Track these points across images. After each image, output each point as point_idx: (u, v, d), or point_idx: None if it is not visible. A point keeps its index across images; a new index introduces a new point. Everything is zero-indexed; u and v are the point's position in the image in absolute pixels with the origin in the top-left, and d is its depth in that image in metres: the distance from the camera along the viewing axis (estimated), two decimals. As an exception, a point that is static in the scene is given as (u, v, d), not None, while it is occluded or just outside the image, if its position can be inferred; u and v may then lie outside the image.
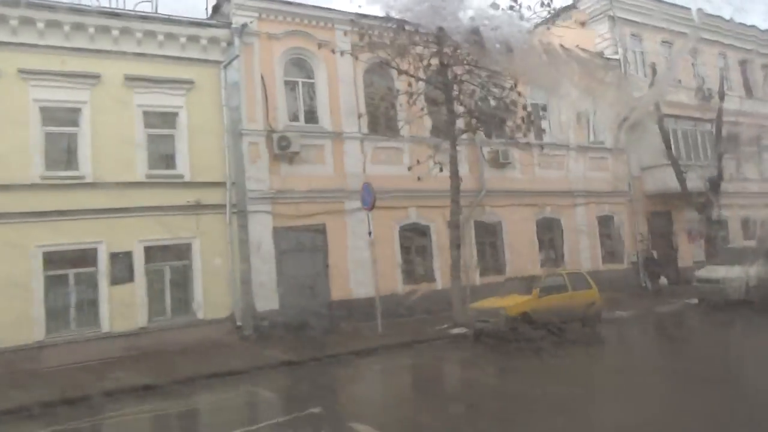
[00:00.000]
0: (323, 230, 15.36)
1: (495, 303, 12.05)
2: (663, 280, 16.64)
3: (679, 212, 23.24)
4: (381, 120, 16.93)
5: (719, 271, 15.56)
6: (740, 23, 27.15)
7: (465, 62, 13.99)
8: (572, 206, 20.22)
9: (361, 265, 15.56)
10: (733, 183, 25.29)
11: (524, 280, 13.14)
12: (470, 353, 11.54)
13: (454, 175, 14.16)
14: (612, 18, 22.97)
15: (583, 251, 20.00)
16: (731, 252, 16.85)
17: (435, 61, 14.07)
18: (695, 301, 15.94)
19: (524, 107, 14.55)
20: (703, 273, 16.05)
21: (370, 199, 13.43)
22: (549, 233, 19.76)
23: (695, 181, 22.13)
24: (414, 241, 16.84)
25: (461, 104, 14.21)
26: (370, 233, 13.59)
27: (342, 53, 14.64)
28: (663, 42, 24.98)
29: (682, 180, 18.78)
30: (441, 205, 16.80)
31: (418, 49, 13.85)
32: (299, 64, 15.98)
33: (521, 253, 18.42)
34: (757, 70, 28.59)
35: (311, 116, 16.04)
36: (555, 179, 19.93)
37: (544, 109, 17.68)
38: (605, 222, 21.20)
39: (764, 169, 26.69)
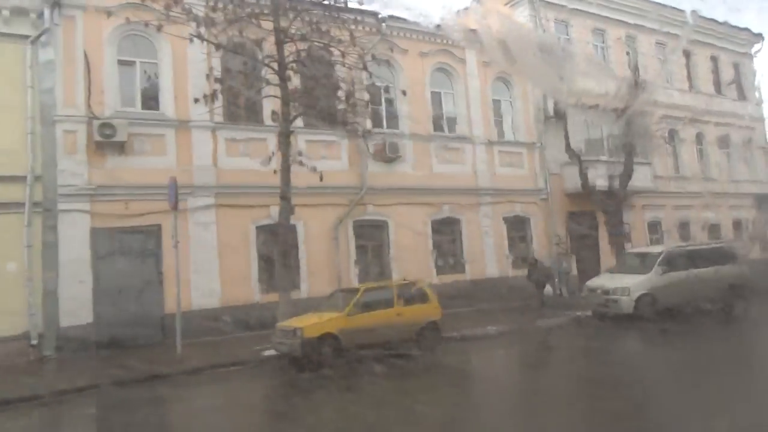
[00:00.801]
0: (158, 232, 13.37)
1: (297, 322, 10.07)
2: (548, 290, 14.72)
3: (604, 213, 21.40)
4: (241, 107, 14.98)
5: (612, 280, 13.70)
6: (684, 10, 25.38)
7: (305, 38, 12.01)
8: (476, 205, 18.30)
9: (205, 271, 13.64)
10: (668, 182, 23.57)
11: (349, 293, 11.08)
12: (263, 384, 9.57)
13: (285, 170, 12.18)
14: (532, 1, 21.06)
15: (488, 255, 18.10)
16: (633, 258, 14.96)
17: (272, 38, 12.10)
18: (589, 313, 14.07)
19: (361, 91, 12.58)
20: (594, 282, 14.18)
21: (173, 196, 11.44)
22: (448, 235, 17.85)
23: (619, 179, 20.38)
24: (274, 244, 14.84)
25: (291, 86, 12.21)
26: (174, 240, 11.41)
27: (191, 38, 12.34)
28: (595, 30, 23.14)
29: (584, 177, 16.89)
30: (313, 204, 14.95)
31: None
32: (138, 42, 13.98)
33: (412, 258, 16.48)
34: (702, 63, 26.78)
35: (151, 102, 14.06)
36: (457, 175, 18.01)
37: (404, 93, 15.67)
38: (517, 223, 19.31)
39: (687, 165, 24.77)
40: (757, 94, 28.78)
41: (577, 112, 20.18)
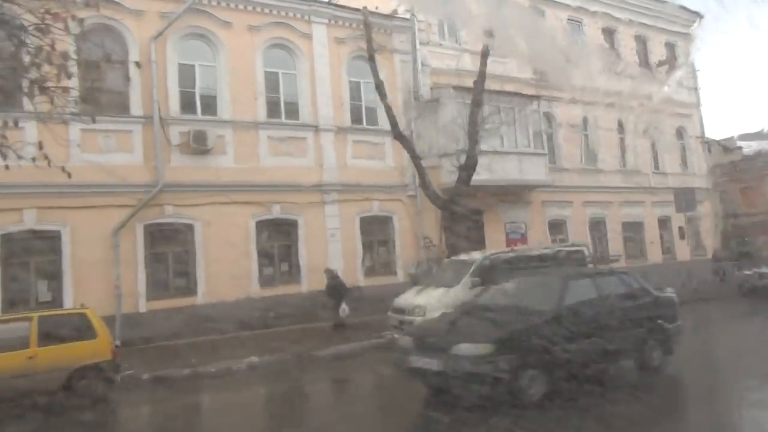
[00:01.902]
0: None
1: None
2: (344, 309, 12.07)
3: (493, 210, 18.82)
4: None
5: (414, 297, 11.10)
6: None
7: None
8: (320, 204, 15.71)
9: None
10: (577, 175, 20.94)
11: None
12: None
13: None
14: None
15: (334, 263, 15.49)
16: (451, 267, 12.29)
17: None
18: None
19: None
20: (400, 299, 11.55)
21: None
22: (281, 240, 15.27)
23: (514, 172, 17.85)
24: (29, 255, 12.30)
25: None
26: None
27: None
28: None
29: (421, 172, 14.24)
30: (86, 205, 12.44)
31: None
32: None
33: (229, 268, 13.92)
34: (628, 43, 24.08)
35: None
36: (295, 169, 15.41)
37: (138, 65, 12.91)
38: (376, 224, 16.73)
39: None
40: (693, 79, 26.05)
41: (456, 94, 17.65)
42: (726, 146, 47.13)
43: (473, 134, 14.19)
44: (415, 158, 14.14)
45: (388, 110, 13.99)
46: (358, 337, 11.47)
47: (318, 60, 16.23)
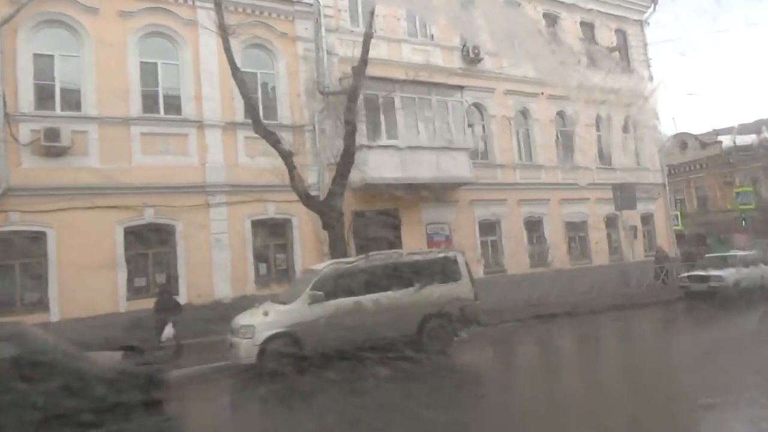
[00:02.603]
0: None
1: None
2: (169, 331, 10.52)
3: (412, 211, 17.39)
4: None
5: (251, 316, 9.62)
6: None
7: None
8: (203, 207, 14.28)
9: None
10: (512, 171, 19.50)
11: None
12: None
13: None
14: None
15: (219, 273, 14.08)
16: (301, 279, 10.77)
17: None
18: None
19: None
20: (238, 317, 10.01)
21: None
22: (154, 248, 13.82)
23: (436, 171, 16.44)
24: None
25: None
26: None
27: None
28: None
29: (290, 170, 12.77)
30: None
31: None
32: None
33: (87, 282, 12.48)
34: (572, 29, 22.61)
35: None
36: (173, 169, 13.98)
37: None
38: (273, 228, 15.31)
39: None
40: (646, 67, 24.55)
41: (366, 84, 16.20)
42: (703, 141, 45.70)
43: (350, 127, 12.72)
44: (284, 154, 12.66)
45: (248, 100, 12.43)
46: (197, 360, 10.00)
47: (204, 49, 14.77)
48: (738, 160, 42.63)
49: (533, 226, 20.01)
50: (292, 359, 8.74)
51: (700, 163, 45.75)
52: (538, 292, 17.62)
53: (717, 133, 43.58)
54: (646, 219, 23.15)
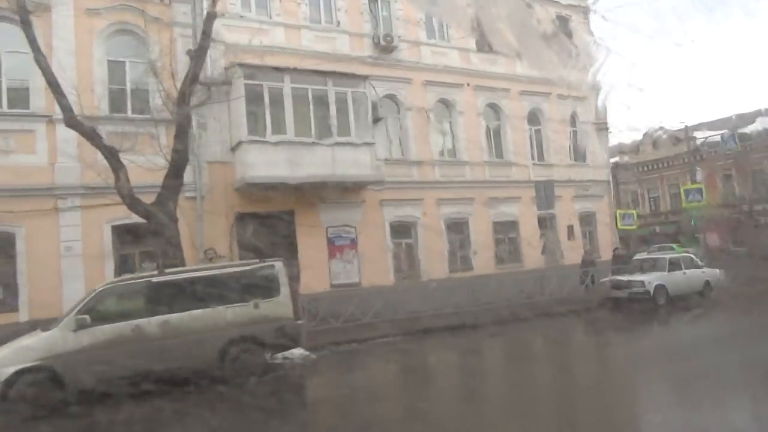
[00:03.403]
0: None
1: None
2: None
3: (310, 212, 15.90)
4: None
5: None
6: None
7: None
8: (52, 212, 12.79)
9: None
10: (430, 168, 18.01)
11: None
12: None
13: None
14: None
15: (69, 285, 12.57)
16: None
17: None
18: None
19: None
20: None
21: None
22: (-10, 258, 12.34)
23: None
24: None
25: None
26: None
27: None
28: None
29: (115, 170, 11.17)
30: None
31: None
32: None
33: None
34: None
35: None
36: (15, 170, 12.46)
37: None
38: (138, 233, 13.75)
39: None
40: (589, 58, 22.93)
41: (249, 73, 14.75)
42: (677, 137, 44.24)
43: (183, 119, 11.21)
44: (106, 151, 11.14)
45: (54, 88, 10.72)
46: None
47: (59, 35, 13.28)
48: (708, 156, 41.19)
49: (456, 227, 18.51)
50: (47, 399, 7.25)
51: (671, 159, 44.27)
52: (455, 300, 16.11)
53: (695, 128, 42.02)
54: (587, 218, 21.63)
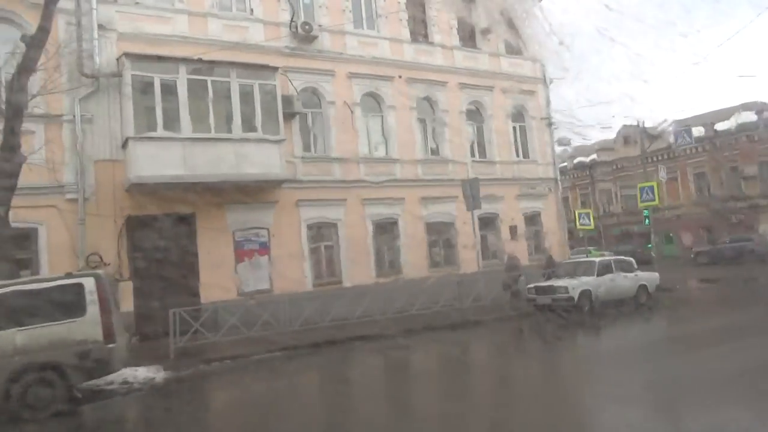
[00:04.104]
0: None
1: None
2: None
3: (214, 215, 14.74)
4: None
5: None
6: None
7: None
8: None
9: None
10: (354, 166, 16.90)
11: None
12: None
13: None
14: None
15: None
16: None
17: None
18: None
19: None
20: None
21: None
22: None
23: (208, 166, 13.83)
24: None
25: None
26: None
27: None
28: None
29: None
30: None
31: None
32: None
33: None
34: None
35: None
36: None
37: None
38: (8, 241, 12.59)
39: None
40: (540, 50, 21.82)
41: (141, 66, 13.59)
42: (650, 133, 43.18)
43: (12, 113, 10.02)
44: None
45: None
46: None
47: None
48: (681, 154, 40.17)
49: (383, 228, 17.37)
50: None
51: (647, 157, 43.07)
52: (378, 307, 14.94)
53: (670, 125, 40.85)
54: (533, 218, 20.52)
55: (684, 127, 27.62)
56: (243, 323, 13.08)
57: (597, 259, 15.39)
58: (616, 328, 12.78)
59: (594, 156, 49.50)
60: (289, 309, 13.72)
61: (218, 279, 14.36)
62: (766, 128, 36.34)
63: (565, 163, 53.38)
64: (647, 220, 21.65)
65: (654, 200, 20.78)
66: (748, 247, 29.35)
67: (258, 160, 14.46)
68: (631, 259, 16.10)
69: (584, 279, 13.96)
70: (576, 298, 13.39)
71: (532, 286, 14.62)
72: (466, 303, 15.08)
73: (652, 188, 20.75)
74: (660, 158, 42.24)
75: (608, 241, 44.33)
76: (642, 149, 26.68)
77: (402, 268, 17.43)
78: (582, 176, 49.60)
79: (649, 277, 15.24)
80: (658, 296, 15.21)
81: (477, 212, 18.70)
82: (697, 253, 32.77)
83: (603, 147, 49.56)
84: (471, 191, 15.69)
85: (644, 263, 27.93)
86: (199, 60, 14.04)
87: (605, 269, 14.44)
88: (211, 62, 14.18)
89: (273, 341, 12.46)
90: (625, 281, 14.59)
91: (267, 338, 12.50)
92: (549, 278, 15.72)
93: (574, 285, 13.59)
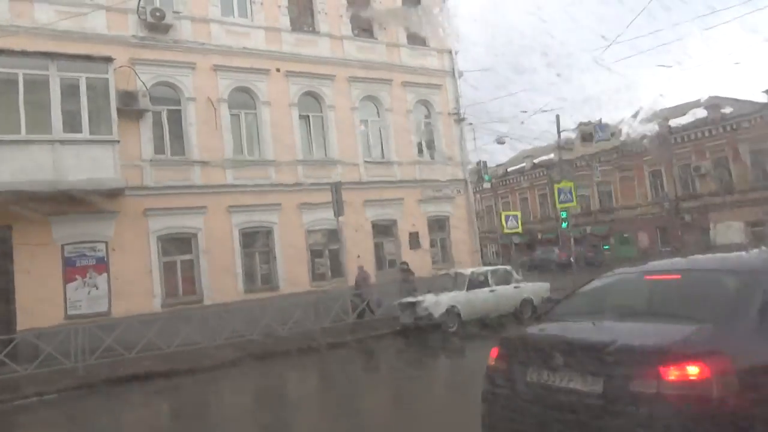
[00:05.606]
0: None
1: None
2: None
3: (35, 227, 12.87)
4: None
5: None
6: None
7: None
8: None
9: None
10: (218, 171, 15.11)
11: None
12: None
13: None
14: None
15: None
16: None
17: None
18: None
19: None
20: None
21: None
22: None
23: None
24: None
25: None
26: None
27: None
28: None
29: None
30: None
31: None
32: None
33: None
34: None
35: None
36: None
37: None
38: None
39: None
40: (447, 42, 20.17)
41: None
42: (584, 131, 41.71)
43: None
44: None
45: None
46: None
47: None
48: (634, 152, 38.75)
49: (255, 239, 15.60)
50: None
51: (603, 155, 41.65)
52: (242, 328, 13.15)
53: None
54: (440, 223, 18.80)
55: (599, 123, 26.22)
56: (64, 353, 11.33)
57: (468, 271, 13.62)
58: (475, 350, 11.03)
59: (552, 155, 48.04)
60: (124, 334, 11.97)
61: (40, 302, 12.49)
62: (716, 124, 34.94)
63: (524, 164, 52.10)
64: (564, 223, 19.97)
65: (572, 201, 19.14)
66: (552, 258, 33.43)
67: (85, 164, 12.64)
68: (510, 268, 14.37)
69: (451, 294, 12.22)
70: (436, 315, 11.65)
71: (396, 303, 12.86)
72: (325, 322, 13.27)
73: (570, 189, 19.10)
74: (615, 156, 40.83)
75: (565, 243, 42.75)
76: (575, 147, 24.97)
77: (279, 282, 15.64)
78: (540, 176, 48.11)
79: (535, 289, 13.52)
80: (548, 309, 13.48)
81: (372, 218, 17.09)
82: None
83: (563, 146, 48.06)
84: (335, 195, 13.95)
85: (596, 266, 26.40)
86: (9, 51, 12.20)
87: (478, 282, 12.70)
88: (23, 53, 12.35)
89: (79, 376, 10.73)
90: (502, 295, 12.87)
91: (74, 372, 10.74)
92: (409, 293, 13.85)
93: (437, 301, 11.85)
